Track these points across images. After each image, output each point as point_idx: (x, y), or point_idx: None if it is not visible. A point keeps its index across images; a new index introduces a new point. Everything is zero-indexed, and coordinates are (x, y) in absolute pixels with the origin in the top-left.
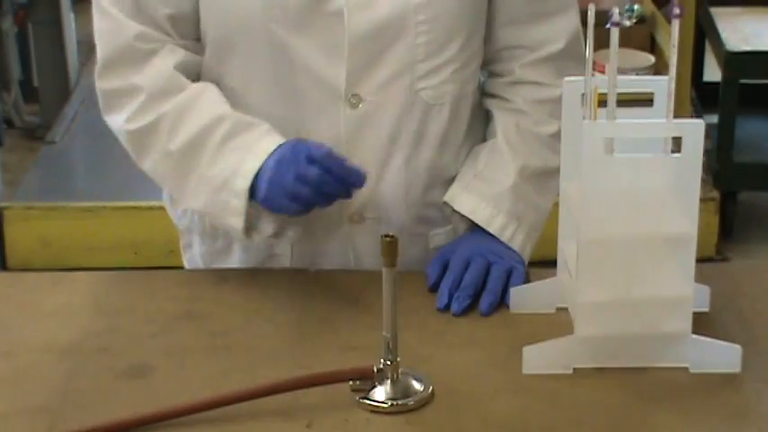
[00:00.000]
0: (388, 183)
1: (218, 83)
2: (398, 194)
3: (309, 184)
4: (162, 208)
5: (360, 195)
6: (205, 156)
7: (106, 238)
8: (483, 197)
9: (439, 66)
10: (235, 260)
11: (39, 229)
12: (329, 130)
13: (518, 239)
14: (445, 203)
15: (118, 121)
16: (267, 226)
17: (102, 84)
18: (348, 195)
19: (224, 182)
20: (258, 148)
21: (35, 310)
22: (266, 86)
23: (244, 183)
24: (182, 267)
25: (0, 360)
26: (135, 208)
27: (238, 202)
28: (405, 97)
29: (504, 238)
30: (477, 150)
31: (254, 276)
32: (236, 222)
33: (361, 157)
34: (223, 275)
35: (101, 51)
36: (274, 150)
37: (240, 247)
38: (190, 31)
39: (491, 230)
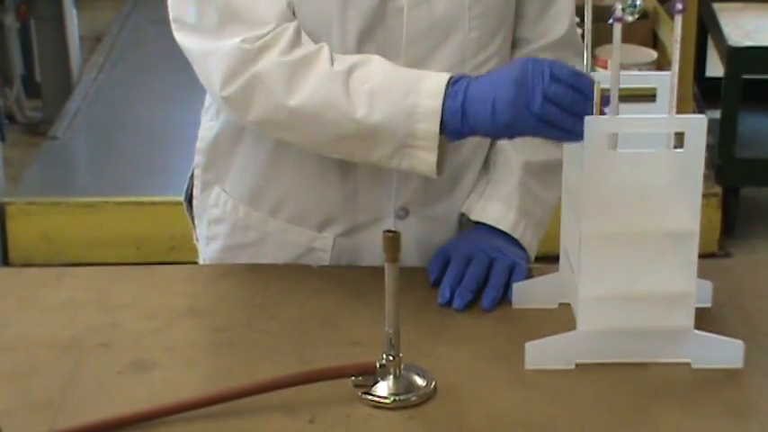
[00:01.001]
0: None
1: None
2: (444, 188)
3: (559, 104)
4: (164, 203)
5: (409, 188)
6: (377, 71)
7: (108, 234)
8: (491, 198)
9: (485, 60)
10: (267, 255)
11: (41, 224)
12: None
13: (527, 235)
14: (462, 214)
15: (268, 58)
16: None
17: (241, 36)
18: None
19: (408, 87)
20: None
21: (37, 305)
22: None
23: (438, 81)
24: (184, 263)
25: (2, 355)
26: (137, 203)
27: (429, 102)
28: None
29: (517, 234)
30: (488, 157)
31: (257, 272)
32: (430, 126)
33: None
34: (225, 271)
35: (246, 17)
36: (504, 71)
37: (275, 241)
38: None
39: (504, 228)
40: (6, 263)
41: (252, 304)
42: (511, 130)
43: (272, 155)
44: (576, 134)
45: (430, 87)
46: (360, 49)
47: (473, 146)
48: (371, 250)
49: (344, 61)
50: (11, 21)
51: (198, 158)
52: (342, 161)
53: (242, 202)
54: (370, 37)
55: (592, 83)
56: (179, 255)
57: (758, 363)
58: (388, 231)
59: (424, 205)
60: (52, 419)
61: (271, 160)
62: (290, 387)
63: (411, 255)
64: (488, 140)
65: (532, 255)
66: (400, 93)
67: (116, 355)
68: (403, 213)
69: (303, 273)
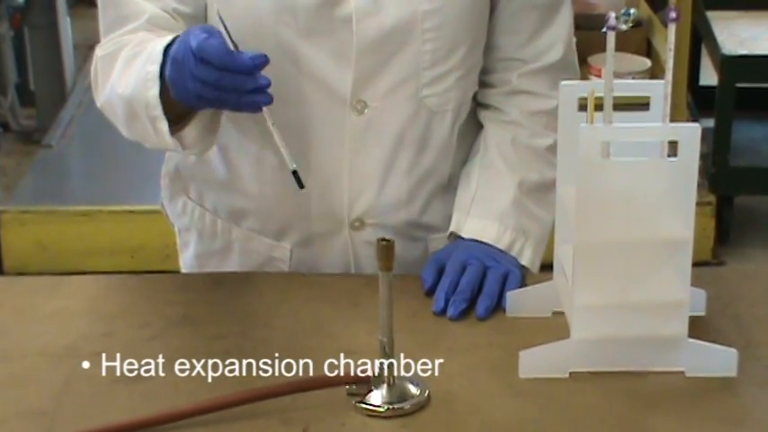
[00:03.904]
0: (391, 188)
1: None
2: (401, 200)
3: (210, 86)
4: (158, 212)
5: (362, 202)
6: (152, 45)
7: (103, 242)
8: (487, 217)
9: (444, 73)
10: (233, 263)
11: (35, 232)
12: (334, 135)
13: (527, 254)
14: (452, 233)
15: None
16: (191, 129)
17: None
18: (256, 87)
19: (149, 55)
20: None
21: (32, 314)
22: (272, 91)
23: (162, 44)
24: (178, 271)
25: None
26: (131, 212)
27: (153, 67)
28: (410, 104)
29: (513, 253)
30: (468, 171)
31: (251, 280)
32: (155, 91)
33: (364, 162)
34: (219, 279)
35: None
36: (173, 39)
37: (239, 248)
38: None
39: (500, 247)
40: (1, 272)
41: (246, 313)
42: (183, 100)
43: (231, 164)
44: (235, 106)
45: (155, 51)
46: (302, 55)
47: (434, 155)
48: (329, 261)
49: (139, 45)
50: (5, 29)
51: (165, 168)
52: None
53: (208, 210)
54: (314, 46)
55: (246, 60)
56: (173, 263)
57: (752, 371)
58: (383, 240)
59: (380, 216)
60: (47, 428)
61: (230, 169)
62: (283, 395)
63: (368, 265)
64: (451, 150)
65: (535, 271)
66: (143, 61)
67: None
68: (358, 224)
69: (297, 281)
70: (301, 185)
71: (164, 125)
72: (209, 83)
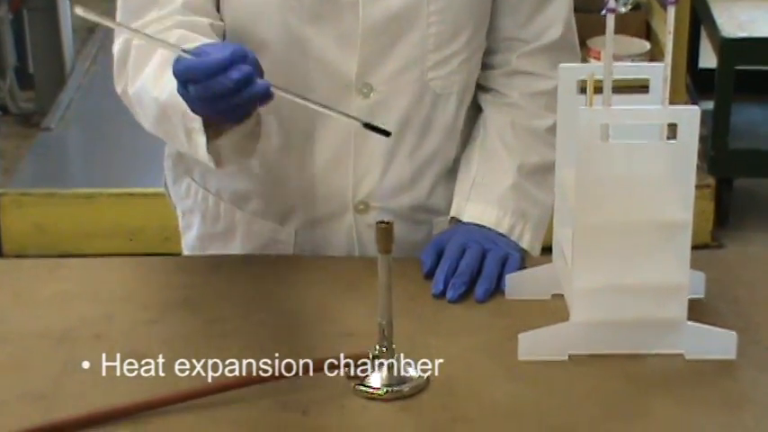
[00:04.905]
0: (395, 172)
1: None
2: (405, 183)
3: (208, 100)
4: (157, 194)
5: (366, 184)
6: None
7: (102, 225)
8: (488, 201)
9: (449, 56)
10: (236, 245)
11: (34, 215)
12: (340, 119)
13: (526, 238)
14: (452, 218)
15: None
16: (227, 139)
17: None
18: (241, 78)
19: None
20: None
21: (31, 297)
22: (278, 76)
23: None
24: (177, 254)
25: None
26: (131, 195)
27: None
28: (415, 87)
29: (514, 237)
30: (468, 156)
31: (251, 263)
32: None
33: (370, 146)
34: (219, 262)
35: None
36: None
37: (242, 231)
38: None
39: (501, 231)
40: (0, 254)
41: (246, 296)
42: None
43: None
44: (245, 106)
45: None
46: (308, 40)
47: (438, 139)
48: (333, 245)
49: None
50: (4, 12)
51: (168, 150)
52: (300, 153)
53: (211, 192)
54: (320, 30)
55: (215, 59)
56: (172, 246)
57: (751, 354)
58: (381, 222)
59: (385, 199)
60: (45, 411)
61: None
62: (283, 378)
63: (372, 248)
64: (456, 133)
65: (535, 254)
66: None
67: (110, 347)
68: (363, 207)
69: (297, 264)
70: (386, 133)
71: (201, 139)
72: (206, 99)
